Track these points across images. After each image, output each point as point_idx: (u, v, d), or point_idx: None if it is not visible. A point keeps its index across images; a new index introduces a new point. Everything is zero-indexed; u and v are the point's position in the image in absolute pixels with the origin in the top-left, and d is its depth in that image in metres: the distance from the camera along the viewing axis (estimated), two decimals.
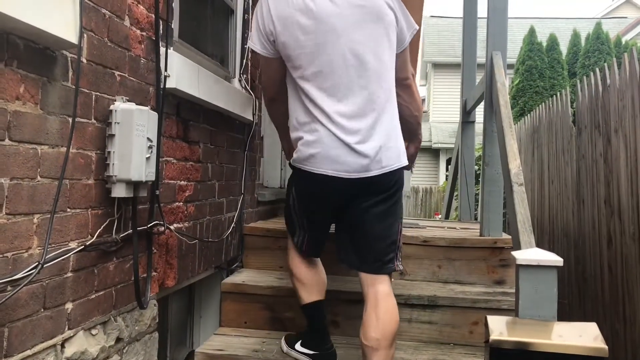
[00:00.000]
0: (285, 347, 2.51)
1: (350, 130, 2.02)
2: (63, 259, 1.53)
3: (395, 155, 2.10)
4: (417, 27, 2.24)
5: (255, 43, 2.14)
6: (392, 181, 2.12)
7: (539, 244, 2.12)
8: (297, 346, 2.47)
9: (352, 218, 2.15)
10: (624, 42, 10.43)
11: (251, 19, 3.14)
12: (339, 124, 2.02)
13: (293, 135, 2.15)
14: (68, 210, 1.56)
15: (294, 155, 2.14)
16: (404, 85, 2.27)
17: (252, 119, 3.08)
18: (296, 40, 2.04)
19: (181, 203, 2.32)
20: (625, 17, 21.09)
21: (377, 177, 2.06)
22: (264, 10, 2.09)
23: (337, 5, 2.02)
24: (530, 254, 1.86)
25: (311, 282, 2.38)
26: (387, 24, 2.09)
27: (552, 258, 1.81)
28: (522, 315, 1.80)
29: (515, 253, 1.91)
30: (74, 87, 1.54)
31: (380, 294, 2.12)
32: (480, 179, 3.47)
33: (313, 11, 2.02)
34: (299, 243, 2.36)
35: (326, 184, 2.07)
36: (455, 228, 3.71)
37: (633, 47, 2.72)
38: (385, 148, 2.06)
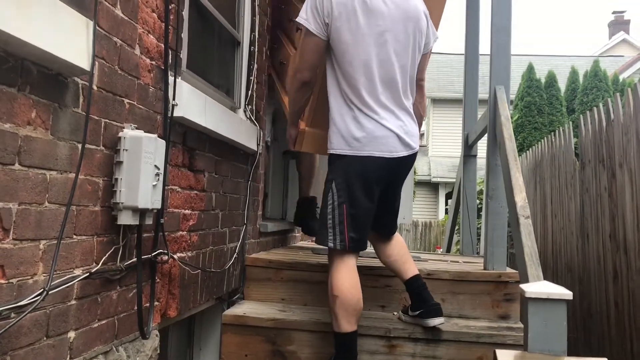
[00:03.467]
0: None
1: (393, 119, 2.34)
2: (67, 286, 1.50)
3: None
4: (438, 36, 2.58)
5: (310, 22, 2.31)
6: None
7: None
8: None
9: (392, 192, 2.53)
10: (621, 80, 10.56)
11: (257, 51, 3.18)
12: (379, 113, 2.31)
13: (338, 122, 2.33)
14: (74, 236, 1.55)
15: (350, 143, 2.31)
16: (419, 85, 2.57)
17: (256, 149, 3.09)
18: (349, 29, 2.28)
19: (185, 232, 2.30)
20: (622, 56, 21.40)
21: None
22: None
23: (387, 5, 2.31)
24: (539, 287, 1.84)
25: (355, 307, 2.33)
26: (420, 29, 2.40)
27: (562, 291, 1.79)
28: (532, 350, 1.77)
29: (523, 286, 1.89)
30: (84, 113, 1.54)
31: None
32: (482, 213, 3.46)
33: (367, 5, 2.29)
34: (338, 242, 2.32)
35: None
36: (458, 262, 3.68)
37: (637, 83, 2.75)
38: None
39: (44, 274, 1.41)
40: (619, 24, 25.68)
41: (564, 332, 1.77)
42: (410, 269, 2.60)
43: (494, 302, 2.94)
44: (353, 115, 2.31)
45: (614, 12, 26.21)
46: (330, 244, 2.34)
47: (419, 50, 2.44)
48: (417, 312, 2.61)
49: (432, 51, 2.66)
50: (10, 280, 1.30)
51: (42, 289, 1.38)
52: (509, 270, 3.03)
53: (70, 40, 1.40)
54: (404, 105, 2.39)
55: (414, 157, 2.45)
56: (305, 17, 2.33)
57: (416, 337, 2.65)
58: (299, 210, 3.89)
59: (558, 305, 1.77)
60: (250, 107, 3.10)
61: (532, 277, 2.01)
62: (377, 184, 2.36)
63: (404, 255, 2.64)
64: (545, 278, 4.01)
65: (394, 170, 2.41)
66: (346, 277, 2.35)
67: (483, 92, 3.74)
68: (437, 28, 2.67)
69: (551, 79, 10.18)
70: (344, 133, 2.32)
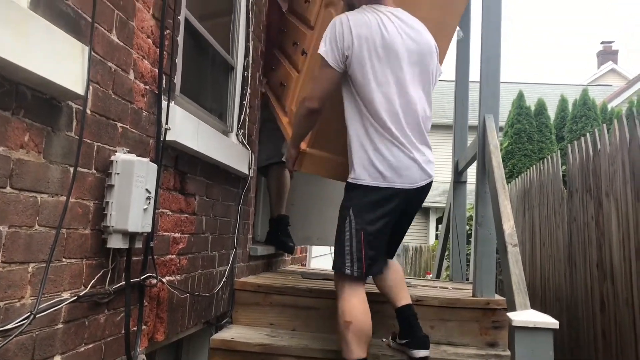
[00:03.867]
0: None
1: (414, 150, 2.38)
2: (55, 310, 1.50)
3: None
4: (442, 72, 2.66)
5: (327, 54, 2.36)
6: None
7: (531, 307, 2.11)
8: None
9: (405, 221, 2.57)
10: (609, 109, 10.70)
11: (250, 76, 3.21)
12: (403, 144, 2.35)
13: (358, 152, 2.37)
14: (63, 259, 1.55)
15: (371, 174, 2.34)
16: None
17: (247, 173, 3.10)
18: (370, 61, 2.35)
19: (174, 255, 2.30)
20: (611, 85, 21.70)
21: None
22: (344, 27, 2.35)
23: (402, 38, 2.38)
24: (525, 315, 1.85)
25: (367, 334, 2.34)
26: (434, 63, 2.50)
27: (548, 320, 1.81)
28: None
29: (510, 314, 1.90)
30: (77, 137, 1.55)
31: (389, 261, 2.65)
32: (472, 239, 3.47)
33: (385, 38, 2.35)
34: (356, 269, 2.34)
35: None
36: (447, 288, 3.68)
37: (622, 114, 2.80)
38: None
39: (32, 297, 1.41)
40: (607, 53, 26.09)
41: None
42: (404, 297, 2.61)
43: (482, 329, 2.94)
44: (374, 146, 2.35)
45: (602, 42, 26.64)
46: (347, 271, 2.35)
47: (429, 83, 2.50)
48: (404, 341, 2.60)
49: None
50: None
51: (29, 313, 1.37)
52: (497, 297, 3.03)
53: (65, 66, 1.42)
54: (423, 135, 2.44)
55: (430, 184, 2.49)
56: (324, 48, 2.37)
57: None
58: (272, 229, 3.91)
59: (544, 334, 1.78)
60: (242, 131, 3.13)
61: (519, 305, 2.02)
62: (394, 213, 2.40)
63: (400, 282, 2.64)
64: (534, 306, 4.03)
65: (412, 199, 2.46)
66: (359, 304, 2.36)
67: (473, 119, 3.78)
68: (441, 63, 2.72)
69: (541, 106, 10.31)
70: (365, 164, 2.35)
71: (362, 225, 2.34)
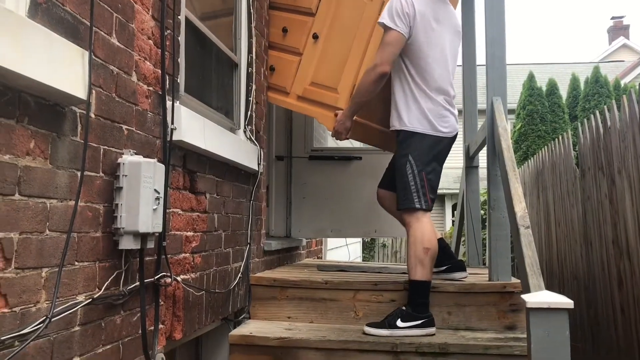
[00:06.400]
0: (384, 332, 2.69)
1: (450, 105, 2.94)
2: (71, 313, 1.52)
3: None
4: None
5: (397, 24, 2.80)
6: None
7: (549, 288, 2.10)
8: (399, 323, 2.70)
9: None
10: (622, 85, 10.57)
11: (255, 72, 3.22)
12: (445, 99, 2.89)
13: (411, 109, 2.85)
14: (76, 263, 1.57)
15: (422, 123, 2.84)
16: None
17: (257, 169, 3.11)
18: (425, 32, 2.84)
19: (188, 254, 2.32)
20: (623, 61, 21.39)
21: None
22: (408, 4, 2.81)
23: (445, 14, 2.93)
24: (540, 297, 1.84)
25: (435, 258, 2.84)
26: (460, 37, 3.07)
27: (563, 300, 1.80)
28: None
29: (525, 296, 1.89)
30: (82, 141, 1.57)
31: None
32: (486, 224, 3.46)
33: (436, 13, 2.88)
34: (424, 203, 2.80)
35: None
36: None
37: (632, 89, 2.78)
38: None
39: (47, 302, 1.43)
40: (618, 29, 25.71)
41: (567, 341, 1.77)
42: (436, 234, 2.97)
43: (500, 313, 2.93)
44: (424, 104, 2.83)
45: (612, 18, 26.27)
46: (417, 205, 2.79)
47: (457, 53, 3.06)
48: (444, 267, 3.11)
49: None
50: (14, 309, 1.32)
51: (44, 317, 1.39)
52: (513, 280, 3.02)
53: (66, 71, 1.43)
54: (452, 94, 2.97)
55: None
56: (390, 19, 2.80)
57: (423, 352, 2.64)
58: None
59: (559, 315, 1.77)
60: (250, 127, 3.14)
61: (533, 287, 2.01)
62: (443, 156, 2.91)
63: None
64: (552, 287, 4.01)
65: (450, 144, 2.96)
66: (433, 232, 2.81)
67: (482, 103, 3.76)
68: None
69: (552, 86, 10.21)
70: (419, 116, 2.84)
71: (421, 167, 2.80)
